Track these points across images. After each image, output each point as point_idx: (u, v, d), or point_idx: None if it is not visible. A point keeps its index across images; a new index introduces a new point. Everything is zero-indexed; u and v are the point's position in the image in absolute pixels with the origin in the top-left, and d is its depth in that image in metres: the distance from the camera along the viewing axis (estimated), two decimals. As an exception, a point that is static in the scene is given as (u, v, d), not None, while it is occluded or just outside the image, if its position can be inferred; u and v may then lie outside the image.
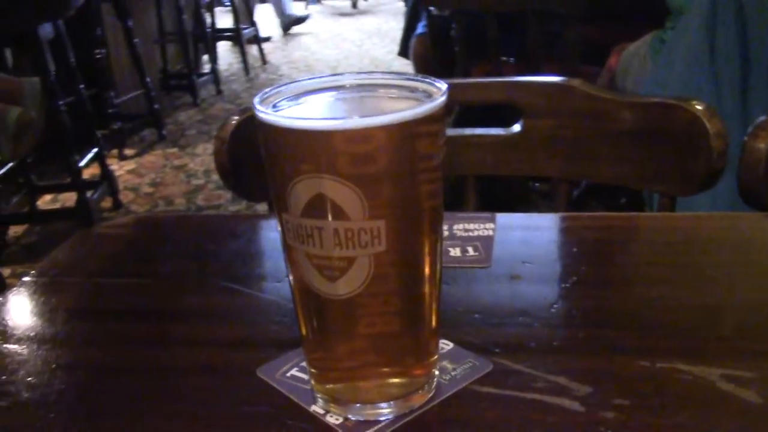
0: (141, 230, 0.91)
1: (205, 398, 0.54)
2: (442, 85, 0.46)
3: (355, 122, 0.43)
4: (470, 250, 0.72)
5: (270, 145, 0.45)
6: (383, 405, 0.50)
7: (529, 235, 0.77)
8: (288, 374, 0.55)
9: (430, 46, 2.86)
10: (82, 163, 3.06)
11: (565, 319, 0.60)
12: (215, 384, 0.55)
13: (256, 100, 0.46)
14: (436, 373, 0.52)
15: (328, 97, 0.49)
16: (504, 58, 2.67)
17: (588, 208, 2.51)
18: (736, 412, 0.49)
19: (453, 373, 0.54)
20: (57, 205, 3.38)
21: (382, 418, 0.49)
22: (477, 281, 0.68)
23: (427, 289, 0.49)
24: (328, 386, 0.51)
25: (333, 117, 0.45)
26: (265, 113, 0.44)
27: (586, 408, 0.50)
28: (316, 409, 0.51)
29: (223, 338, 0.62)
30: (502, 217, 0.79)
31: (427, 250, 0.48)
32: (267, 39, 6.99)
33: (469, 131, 1.04)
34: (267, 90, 0.47)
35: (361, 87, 0.49)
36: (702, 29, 1.86)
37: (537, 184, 2.71)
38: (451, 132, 1.06)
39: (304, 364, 0.55)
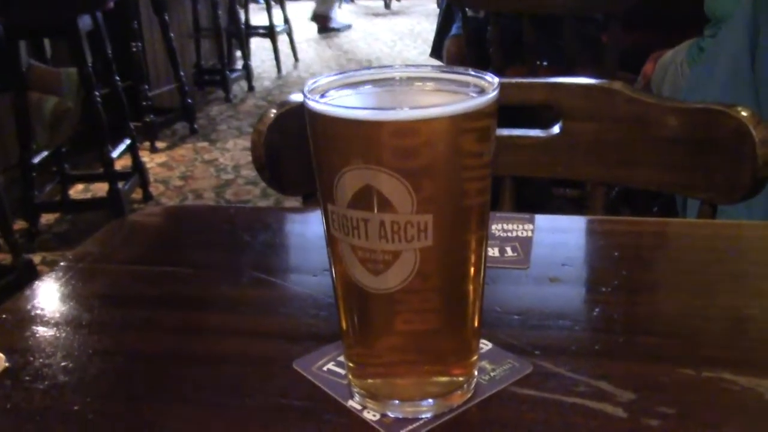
0: (174, 220, 0.91)
1: (240, 389, 0.53)
2: (494, 80, 0.46)
3: (406, 114, 0.42)
4: (509, 251, 0.71)
5: (318, 135, 0.45)
6: (422, 403, 0.49)
7: (567, 238, 0.76)
8: (325, 368, 0.55)
9: (465, 47, 2.85)
10: (114, 154, 3.09)
11: (605, 324, 0.59)
12: (250, 374, 0.55)
13: (306, 88, 0.45)
14: (476, 373, 0.52)
15: (378, 88, 0.48)
16: (538, 62, 2.65)
17: (619, 215, 2.48)
18: (786, 426, 0.47)
19: (492, 374, 0.53)
20: (88, 195, 3.41)
21: (420, 416, 0.49)
22: (516, 282, 0.67)
23: (471, 287, 0.48)
24: (366, 381, 0.50)
25: (383, 108, 0.44)
26: (315, 101, 0.44)
27: (629, 414, 0.48)
28: (353, 404, 0.50)
29: (258, 329, 0.62)
30: (541, 219, 0.78)
31: (473, 247, 0.47)
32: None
33: (507, 131, 1.03)
34: (316, 79, 0.47)
35: (411, 80, 0.49)
36: (743, 38, 1.84)
37: (567, 190, 2.68)
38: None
39: (341, 358, 0.54)
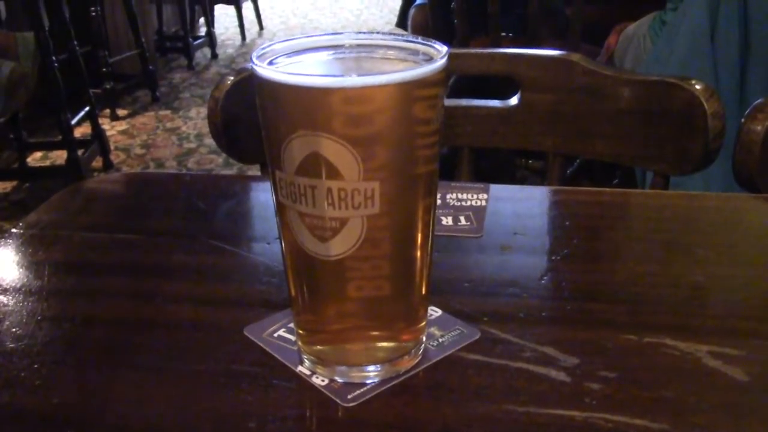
0: (132, 187, 0.90)
1: (190, 355, 0.53)
2: (443, 48, 0.46)
3: (354, 81, 0.42)
4: (462, 220, 0.71)
5: (266, 101, 0.45)
6: (370, 368, 0.50)
7: (521, 207, 0.77)
8: (275, 335, 0.55)
9: (430, 16, 2.84)
10: (73, 122, 3.04)
11: (554, 291, 0.60)
12: (201, 341, 0.55)
13: (254, 54, 0.45)
14: (424, 339, 0.52)
15: (327, 55, 0.48)
16: (503, 34, 2.65)
17: (580, 187, 2.51)
18: (722, 388, 0.49)
19: (441, 340, 0.54)
20: (47, 163, 3.35)
21: (368, 381, 0.49)
22: (468, 251, 0.67)
23: (418, 254, 0.48)
24: (315, 347, 0.51)
25: (331, 75, 0.44)
26: (262, 68, 0.44)
27: (572, 378, 0.50)
28: (303, 369, 0.51)
29: (211, 296, 0.62)
30: (496, 188, 0.79)
31: (420, 215, 0.47)
32: None
33: (465, 102, 1.03)
34: (265, 45, 0.47)
35: (360, 47, 0.49)
36: (704, 11, 1.85)
37: (530, 161, 2.70)
38: (446, 102, 1.05)
39: (291, 325, 0.54)
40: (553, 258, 0.65)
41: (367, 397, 0.48)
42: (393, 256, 0.47)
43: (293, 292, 0.50)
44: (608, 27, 2.49)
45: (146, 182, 0.95)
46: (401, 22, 3.37)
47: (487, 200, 0.75)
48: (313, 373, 0.51)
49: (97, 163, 3.27)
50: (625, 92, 0.96)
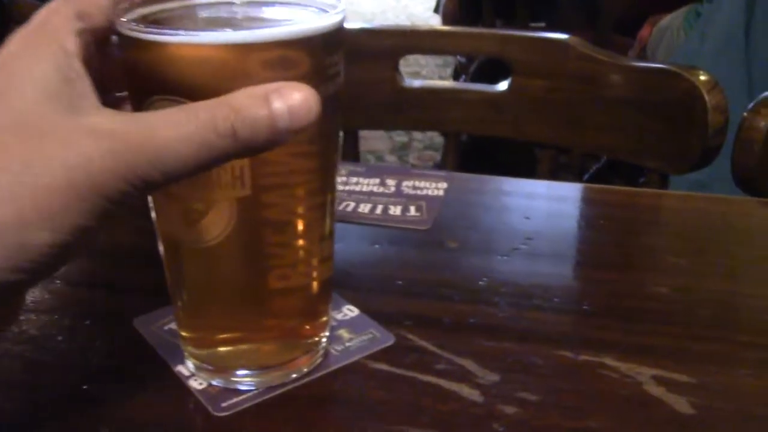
0: None
1: (68, 344, 0.48)
2: (339, 4, 0.39)
3: (217, 37, 0.35)
4: (412, 210, 0.64)
5: (128, 61, 0.38)
6: (249, 372, 0.43)
7: (482, 200, 0.69)
8: (166, 327, 0.49)
9: (459, 3, 2.76)
10: None
11: (489, 295, 0.53)
12: (84, 329, 0.49)
13: (116, 9, 0.38)
14: (324, 342, 0.46)
15: (204, 11, 0.41)
16: (533, 23, 2.57)
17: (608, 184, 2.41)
18: (659, 422, 0.41)
19: (348, 344, 0.47)
20: None
21: (251, 388, 0.43)
22: (409, 244, 0.60)
23: (302, 242, 0.42)
24: (194, 346, 0.45)
25: (194, 31, 0.37)
26: (124, 24, 0.37)
27: (486, 399, 0.43)
28: (182, 369, 0.45)
29: (105, 281, 0.56)
30: (461, 177, 0.72)
31: (304, 197, 0.41)
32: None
33: (450, 84, 0.96)
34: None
35: (251, 3, 0.42)
36: (740, 3, 1.75)
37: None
38: (429, 84, 0.98)
39: (183, 317, 0.48)
40: (498, 257, 0.58)
41: (245, 406, 0.42)
42: (272, 243, 0.41)
43: (169, 285, 0.44)
44: (642, 18, 2.38)
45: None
46: (437, 9, 3.30)
47: (445, 190, 0.68)
48: (192, 374, 0.44)
49: None
50: (622, 80, 0.88)
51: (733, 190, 0.79)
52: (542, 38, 0.92)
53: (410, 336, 0.48)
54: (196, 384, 0.44)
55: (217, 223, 0.39)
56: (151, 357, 0.46)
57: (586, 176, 2.48)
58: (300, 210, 0.41)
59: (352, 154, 1.02)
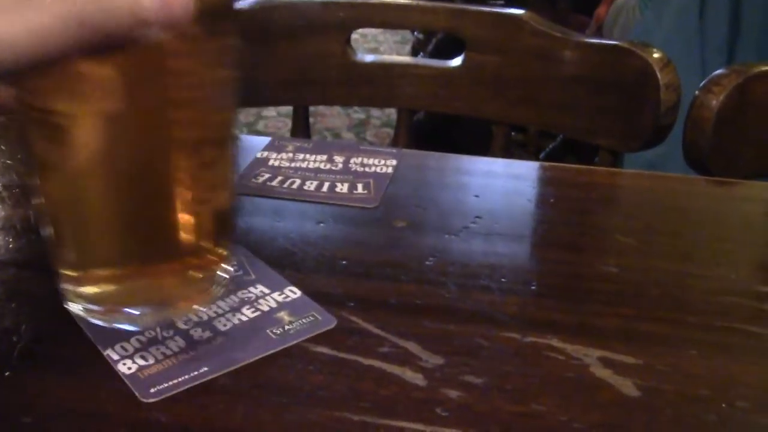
0: None
1: (-9, 329, 0.45)
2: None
3: None
4: (359, 188, 0.63)
5: None
6: (139, 310, 0.40)
7: (432, 177, 0.68)
8: (95, 310, 0.46)
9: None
10: None
11: (437, 275, 0.51)
12: (11, 311, 0.47)
13: None
14: (221, 277, 0.42)
15: None
16: (492, 0, 2.55)
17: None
18: (604, 404, 0.41)
19: (287, 327, 0.46)
20: None
21: (134, 328, 0.41)
22: (356, 223, 0.59)
23: (186, 163, 0.38)
24: (75, 285, 0.41)
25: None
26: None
27: (429, 383, 0.41)
28: (111, 353, 0.43)
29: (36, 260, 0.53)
30: (411, 155, 0.70)
31: (186, 116, 0.37)
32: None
33: (402, 59, 0.94)
34: None
35: None
36: (695, -16, 1.76)
37: (513, 133, 2.61)
38: (381, 59, 0.96)
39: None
40: (448, 236, 0.56)
41: (174, 392, 0.40)
42: (148, 163, 0.37)
43: (49, 223, 0.40)
44: (601, -3, 2.39)
45: None
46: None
47: (394, 167, 0.67)
48: (121, 358, 0.42)
49: None
50: (576, 57, 0.87)
51: (686, 170, 0.78)
52: (496, 13, 0.91)
53: (353, 318, 0.47)
54: (124, 369, 0.42)
55: (84, 142, 0.35)
56: (80, 341, 0.44)
57: (542, 155, 2.49)
58: (184, 132, 0.37)
59: (303, 129, 1.00)
